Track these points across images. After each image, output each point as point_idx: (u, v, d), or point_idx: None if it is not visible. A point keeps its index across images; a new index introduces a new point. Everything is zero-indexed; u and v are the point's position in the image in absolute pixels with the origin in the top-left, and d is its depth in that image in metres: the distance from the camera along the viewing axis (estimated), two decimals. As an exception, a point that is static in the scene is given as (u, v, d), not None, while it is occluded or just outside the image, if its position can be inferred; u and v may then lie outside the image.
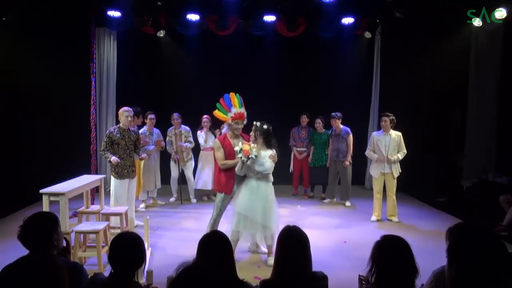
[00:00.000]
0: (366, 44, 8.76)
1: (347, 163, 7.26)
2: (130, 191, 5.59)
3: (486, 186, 7.24)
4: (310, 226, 5.78)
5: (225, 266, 2.09)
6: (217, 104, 4.68)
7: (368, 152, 6.49)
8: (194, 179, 7.43)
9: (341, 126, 7.35)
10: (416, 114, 8.20)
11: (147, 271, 2.91)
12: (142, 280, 2.95)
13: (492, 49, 7.51)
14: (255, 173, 4.42)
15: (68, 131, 7.51)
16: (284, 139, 7.59)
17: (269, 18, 7.76)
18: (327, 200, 7.62)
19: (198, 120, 7.39)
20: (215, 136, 7.10)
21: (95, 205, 5.28)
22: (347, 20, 7.84)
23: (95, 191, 5.99)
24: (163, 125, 7.24)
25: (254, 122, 4.52)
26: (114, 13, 7.26)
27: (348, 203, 7.33)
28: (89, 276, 2.31)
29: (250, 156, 4.31)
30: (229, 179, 4.59)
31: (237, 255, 4.23)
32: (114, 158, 5.31)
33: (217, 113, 4.72)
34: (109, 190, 5.68)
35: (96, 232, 4.14)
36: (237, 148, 4.40)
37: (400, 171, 6.25)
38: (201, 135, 7.34)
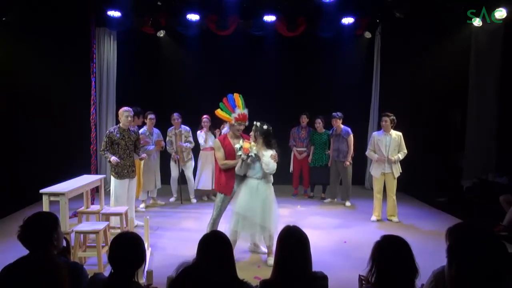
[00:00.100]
0: (366, 44, 8.76)
1: (347, 163, 7.25)
2: (130, 191, 5.59)
3: (486, 186, 7.24)
4: (310, 226, 5.78)
5: (225, 266, 2.09)
6: (220, 104, 4.63)
7: (368, 152, 6.49)
8: (194, 179, 7.44)
9: (342, 126, 7.35)
10: (416, 114, 8.20)
11: (147, 271, 2.91)
12: (142, 280, 2.95)
13: (492, 49, 7.51)
14: (257, 173, 4.41)
15: (68, 131, 7.51)
16: (284, 139, 7.59)
17: (269, 18, 7.75)
18: (327, 200, 7.62)
19: (198, 120, 7.40)
20: (215, 136, 7.11)
21: (95, 205, 5.28)
22: (347, 20, 7.84)
23: (95, 191, 5.99)
24: (163, 125, 7.23)
25: (254, 122, 4.51)
26: (114, 13, 7.27)
27: (348, 203, 7.33)
28: (89, 276, 2.31)
29: (250, 154, 4.30)
30: (229, 179, 4.58)
31: (237, 255, 4.19)
32: (114, 158, 5.31)
33: (219, 112, 4.65)
34: (109, 190, 5.69)
35: (96, 232, 4.14)
36: (237, 146, 4.40)
37: (401, 171, 6.25)
38: (201, 135, 7.35)
